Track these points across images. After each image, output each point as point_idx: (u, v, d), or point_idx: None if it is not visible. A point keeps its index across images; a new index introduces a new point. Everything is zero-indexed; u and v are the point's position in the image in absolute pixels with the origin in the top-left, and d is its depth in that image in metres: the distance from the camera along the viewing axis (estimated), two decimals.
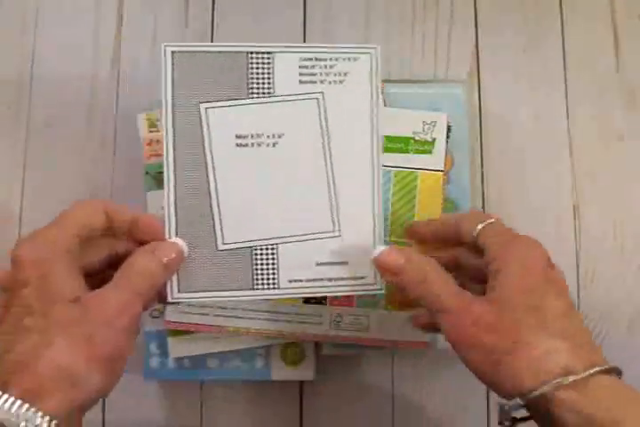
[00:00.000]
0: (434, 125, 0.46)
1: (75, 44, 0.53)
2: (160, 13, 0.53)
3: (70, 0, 0.53)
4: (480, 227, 0.37)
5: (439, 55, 0.53)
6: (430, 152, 0.46)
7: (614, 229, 0.50)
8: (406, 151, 0.46)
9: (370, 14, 0.53)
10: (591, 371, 0.30)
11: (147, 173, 0.47)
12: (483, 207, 0.50)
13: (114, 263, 0.36)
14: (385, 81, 0.48)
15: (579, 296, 0.50)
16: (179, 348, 0.46)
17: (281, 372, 0.47)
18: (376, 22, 0.53)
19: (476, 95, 0.52)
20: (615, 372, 0.32)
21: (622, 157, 0.51)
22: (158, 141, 0.46)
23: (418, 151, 0.46)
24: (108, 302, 0.32)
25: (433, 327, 0.39)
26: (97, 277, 0.36)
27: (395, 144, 0.46)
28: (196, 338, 0.46)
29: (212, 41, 0.53)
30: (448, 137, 0.47)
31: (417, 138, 0.46)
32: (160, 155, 0.43)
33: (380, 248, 0.37)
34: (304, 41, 0.53)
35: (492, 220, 0.37)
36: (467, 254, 0.39)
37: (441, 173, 0.46)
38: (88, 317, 0.31)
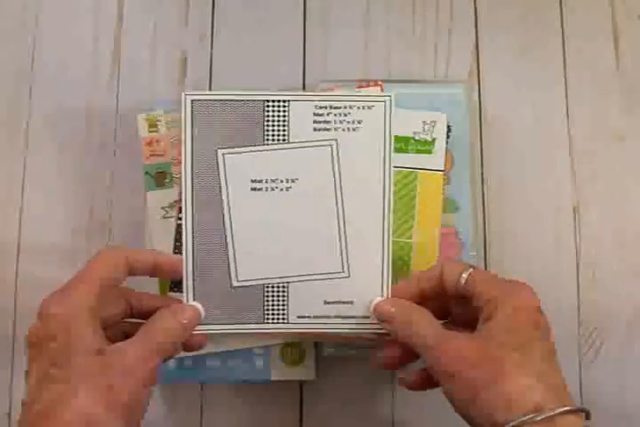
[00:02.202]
0: (434, 125, 0.46)
1: (75, 44, 0.53)
2: (160, 13, 0.53)
3: (70, 0, 0.53)
4: (465, 276, 0.38)
5: (439, 55, 0.53)
6: (430, 152, 0.46)
7: (614, 230, 0.50)
8: (406, 151, 0.46)
9: (370, 14, 0.53)
10: (561, 409, 0.32)
11: (146, 173, 0.47)
12: (483, 207, 0.50)
13: (129, 315, 0.40)
14: (385, 81, 0.48)
15: (579, 297, 0.50)
16: None
17: (281, 372, 0.47)
18: (376, 22, 0.53)
19: (476, 95, 0.52)
20: (584, 412, 0.34)
21: (622, 157, 0.51)
22: (158, 142, 0.47)
23: (418, 151, 0.46)
24: (128, 355, 0.35)
25: (393, 366, 0.41)
26: (114, 328, 0.39)
27: (395, 144, 0.45)
28: None
29: (211, 42, 0.53)
30: (448, 137, 0.47)
31: (417, 138, 0.46)
32: (160, 155, 0.43)
33: (375, 301, 0.41)
34: (304, 41, 0.53)
35: (471, 269, 0.39)
36: (453, 303, 0.41)
37: (441, 173, 0.46)
38: (109, 367, 0.34)
